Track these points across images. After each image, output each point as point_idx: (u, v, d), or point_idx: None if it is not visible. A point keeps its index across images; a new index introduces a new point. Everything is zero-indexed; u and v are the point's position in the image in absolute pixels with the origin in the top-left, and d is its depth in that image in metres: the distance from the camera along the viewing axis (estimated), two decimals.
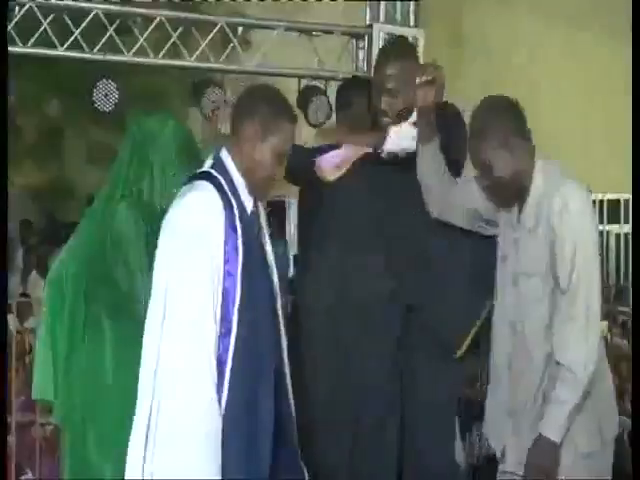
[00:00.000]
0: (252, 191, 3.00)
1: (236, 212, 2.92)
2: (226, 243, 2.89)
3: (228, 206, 2.91)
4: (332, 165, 3.80)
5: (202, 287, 2.86)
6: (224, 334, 2.88)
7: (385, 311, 3.77)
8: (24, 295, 8.55)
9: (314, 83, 6.89)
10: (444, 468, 3.84)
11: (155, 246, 3.40)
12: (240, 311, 2.88)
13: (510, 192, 3.24)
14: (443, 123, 3.70)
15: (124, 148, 3.57)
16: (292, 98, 7.00)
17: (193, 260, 2.87)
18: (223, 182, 2.94)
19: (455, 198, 3.56)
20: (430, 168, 3.60)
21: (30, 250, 10.29)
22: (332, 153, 3.85)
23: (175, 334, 2.87)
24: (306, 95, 6.85)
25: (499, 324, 3.33)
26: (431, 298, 3.75)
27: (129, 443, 2.93)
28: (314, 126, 6.84)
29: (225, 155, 3.00)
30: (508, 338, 3.29)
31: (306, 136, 7.63)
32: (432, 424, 3.80)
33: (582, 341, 3.10)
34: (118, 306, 3.41)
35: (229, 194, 2.93)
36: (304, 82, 6.90)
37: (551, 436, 3.11)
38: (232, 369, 2.86)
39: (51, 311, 3.53)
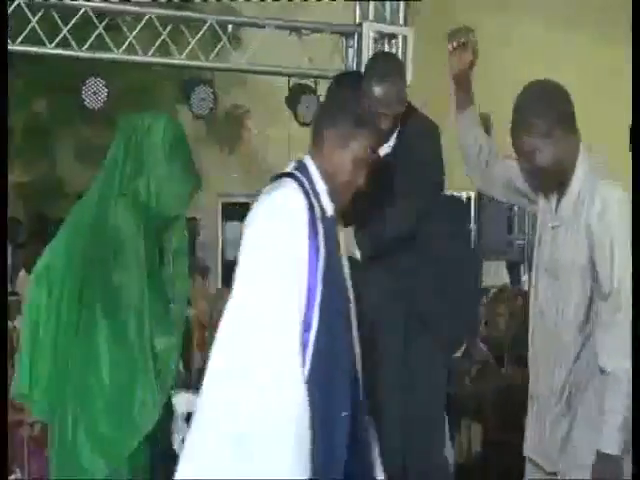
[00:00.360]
0: (333, 196, 3.02)
1: (318, 213, 2.95)
2: (308, 242, 2.91)
3: (310, 207, 2.94)
4: None
5: (286, 280, 2.88)
6: (304, 331, 2.89)
7: (390, 319, 3.79)
8: (13, 294, 8.52)
9: (304, 82, 6.89)
10: (438, 465, 3.86)
11: (152, 245, 3.40)
12: (321, 309, 2.90)
13: (550, 180, 3.20)
14: (416, 139, 3.72)
15: (117, 146, 3.55)
16: (282, 97, 7.00)
17: (277, 253, 2.89)
18: (306, 184, 2.98)
19: (495, 170, 3.51)
20: (469, 135, 3.55)
21: (18, 248, 10.26)
22: None
23: (259, 325, 2.86)
24: (296, 94, 6.84)
25: (532, 311, 3.32)
26: (432, 301, 3.78)
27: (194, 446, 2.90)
28: (304, 125, 6.84)
29: (308, 159, 3.04)
30: (538, 328, 3.27)
31: (294, 134, 7.64)
32: (425, 420, 3.82)
33: (628, 348, 3.02)
34: (113, 305, 3.39)
35: (311, 196, 2.97)
36: (294, 80, 6.90)
37: (609, 451, 3.05)
38: (311, 364, 2.88)
39: (36, 306, 3.51)
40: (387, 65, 3.92)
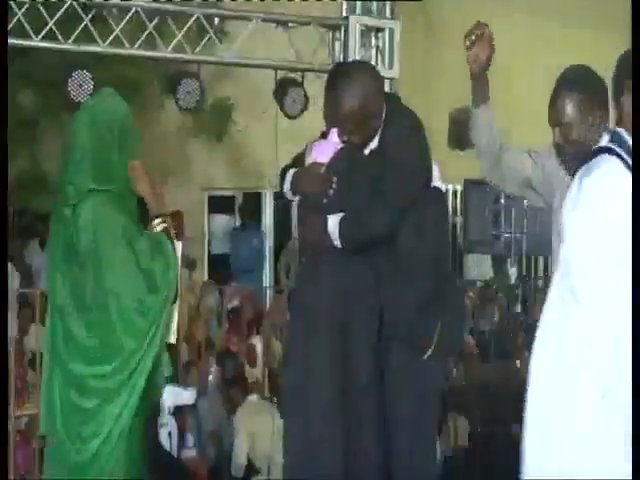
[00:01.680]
0: None
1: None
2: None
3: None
4: (320, 155, 3.80)
5: (619, 259, 2.76)
6: None
7: (364, 322, 3.76)
8: None
9: (290, 75, 6.89)
10: (427, 467, 3.84)
11: (130, 238, 3.33)
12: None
13: (582, 160, 3.26)
14: (402, 134, 3.72)
15: (79, 137, 3.53)
16: (269, 90, 6.99)
17: (612, 237, 2.77)
18: (625, 156, 2.88)
19: (507, 164, 3.58)
20: (483, 131, 3.61)
21: None
22: (320, 146, 3.84)
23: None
24: (282, 87, 6.84)
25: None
26: (401, 305, 3.76)
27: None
28: (290, 117, 6.86)
29: (620, 129, 2.94)
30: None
31: (281, 127, 7.64)
32: (413, 422, 3.80)
33: None
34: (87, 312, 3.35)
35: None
36: (280, 74, 6.90)
37: None
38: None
39: (48, 321, 3.49)
40: (357, 78, 3.81)
